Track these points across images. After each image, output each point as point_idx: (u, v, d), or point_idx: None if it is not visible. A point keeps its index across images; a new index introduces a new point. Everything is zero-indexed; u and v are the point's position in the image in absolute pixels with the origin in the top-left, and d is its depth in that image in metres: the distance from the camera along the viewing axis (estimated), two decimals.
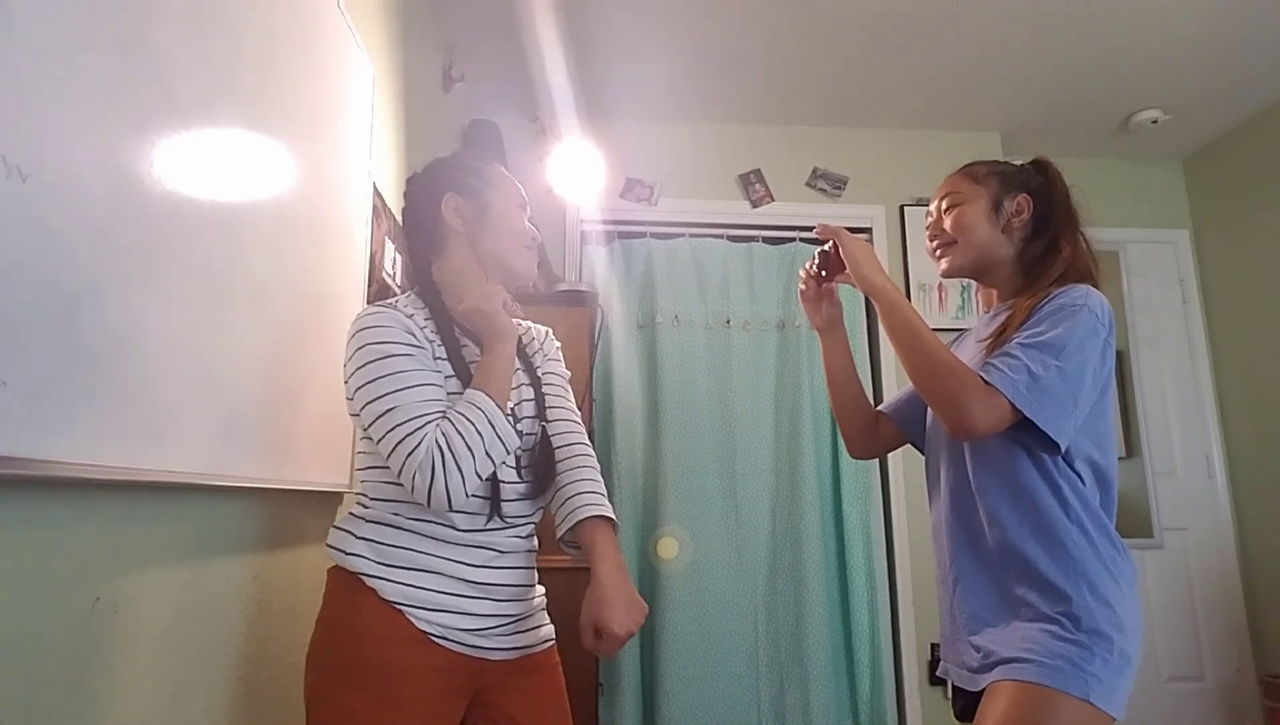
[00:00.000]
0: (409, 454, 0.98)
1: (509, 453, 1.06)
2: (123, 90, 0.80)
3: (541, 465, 1.14)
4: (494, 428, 1.02)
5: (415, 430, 0.99)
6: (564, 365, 1.30)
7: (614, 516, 1.15)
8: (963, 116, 3.11)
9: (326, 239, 1.41)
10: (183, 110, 0.92)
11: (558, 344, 1.32)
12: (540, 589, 1.20)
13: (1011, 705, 1.00)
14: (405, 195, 1.24)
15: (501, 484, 1.09)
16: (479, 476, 1.01)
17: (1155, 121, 3.08)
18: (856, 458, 1.44)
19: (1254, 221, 3.14)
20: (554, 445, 1.17)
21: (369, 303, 1.64)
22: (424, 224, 1.19)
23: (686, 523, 2.76)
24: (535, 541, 1.18)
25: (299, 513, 1.34)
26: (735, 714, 2.64)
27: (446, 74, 2.53)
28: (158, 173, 0.86)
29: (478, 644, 1.06)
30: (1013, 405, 1.03)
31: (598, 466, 1.21)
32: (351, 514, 1.10)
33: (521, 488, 1.12)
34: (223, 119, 1.02)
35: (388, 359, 1.03)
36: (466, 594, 1.05)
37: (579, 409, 1.28)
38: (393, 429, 1.00)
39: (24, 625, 0.70)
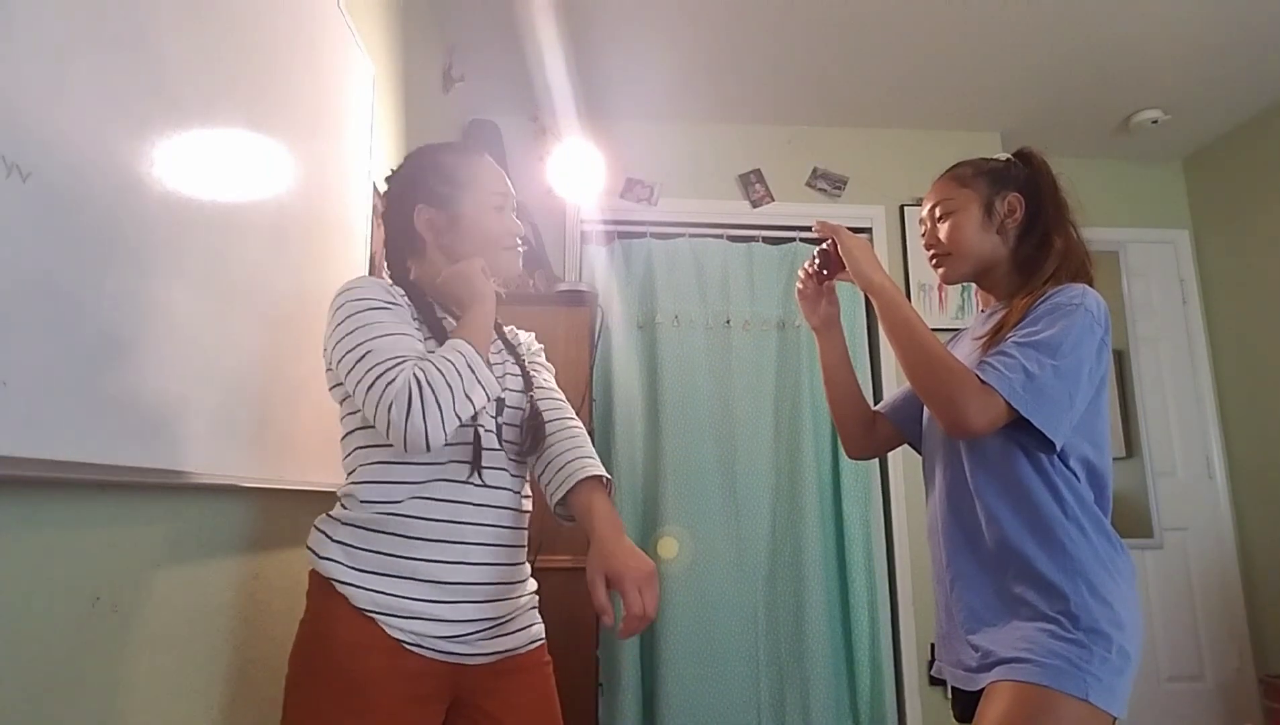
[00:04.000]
0: (385, 388, 0.95)
1: (489, 399, 1.03)
2: (123, 90, 0.80)
3: (529, 430, 1.12)
4: (473, 370, 1.00)
5: (391, 367, 0.97)
6: (552, 372, 1.30)
7: (608, 474, 1.13)
8: (963, 116, 3.11)
9: (326, 239, 1.41)
10: (183, 110, 0.92)
11: (541, 346, 1.32)
12: (531, 585, 1.17)
13: (1010, 706, 1.00)
14: (384, 195, 1.22)
15: (485, 452, 1.06)
16: (458, 417, 0.98)
17: (1155, 121, 3.08)
18: (854, 458, 1.44)
19: (1254, 221, 3.14)
20: (544, 417, 1.16)
21: None
22: (400, 230, 1.18)
23: (686, 523, 2.76)
24: (523, 535, 1.15)
25: (299, 512, 1.34)
26: (735, 714, 2.64)
27: (446, 74, 2.53)
28: (158, 172, 0.86)
29: (453, 650, 1.03)
30: (1008, 404, 1.03)
31: (586, 434, 1.19)
32: (329, 515, 1.07)
33: (501, 453, 1.10)
34: (223, 118, 1.02)
35: (364, 313, 1.02)
36: (439, 599, 1.02)
37: (579, 409, 1.27)
38: (369, 370, 0.97)
39: (24, 625, 0.70)
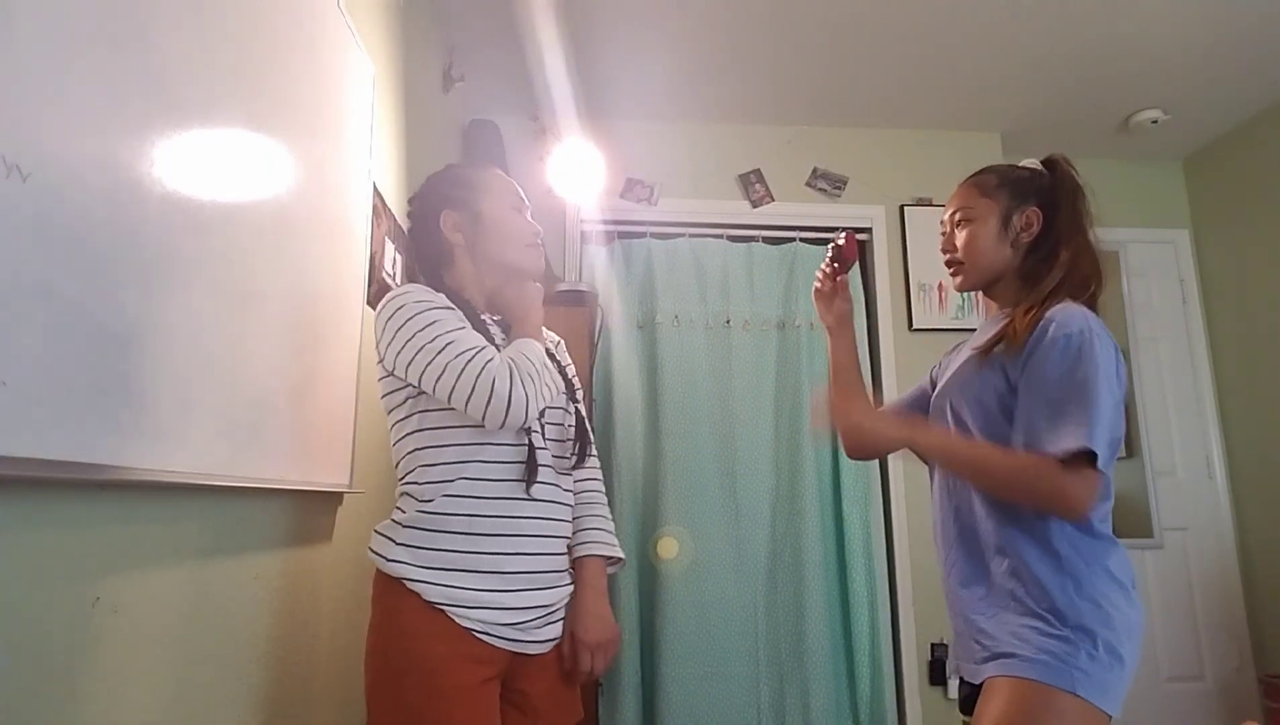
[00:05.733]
0: (484, 364, 1.04)
1: (552, 398, 1.15)
2: (123, 90, 0.80)
3: (577, 444, 1.24)
4: (546, 365, 1.12)
5: (483, 350, 1.07)
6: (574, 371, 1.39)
7: (614, 554, 1.28)
8: (963, 116, 3.11)
9: (327, 239, 1.41)
10: (183, 110, 0.92)
11: (560, 339, 1.40)
12: (572, 575, 1.25)
13: (1006, 702, 1.02)
14: (408, 215, 1.30)
15: (538, 465, 1.15)
16: (542, 399, 1.09)
17: (1155, 121, 3.08)
18: (854, 458, 1.44)
19: (1254, 221, 3.14)
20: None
21: (369, 303, 1.65)
22: (429, 244, 1.26)
23: (686, 523, 2.76)
24: (567, 527, 1.23)
25: (300, 512, 1.34)
26: (735, 714, 2.64)
27: (446, 74, 2.53)
28: (158, 173, 0.86)
29: (517, 637, 1.12)
30: (1090, 456, 1.02)
31: (605, 498, 1.34)
32: (391, 520, 1.15)
33: (546, 450, 1.19)
34: (223, 119, 1.02)
35: (430, 312, 1.11)
36: (502, 588, 1.11)
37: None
38: (458, 355, 1.06)
39: (24, 625, 0.70)
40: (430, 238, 1.25)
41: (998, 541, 1.11)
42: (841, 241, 1.33)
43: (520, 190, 1.29)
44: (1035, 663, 1.01)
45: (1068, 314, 1.10)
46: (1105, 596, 1.05)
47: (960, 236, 1.26)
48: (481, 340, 1.09)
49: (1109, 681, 1.00)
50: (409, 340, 1.08)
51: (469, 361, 1.05)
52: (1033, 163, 1.28)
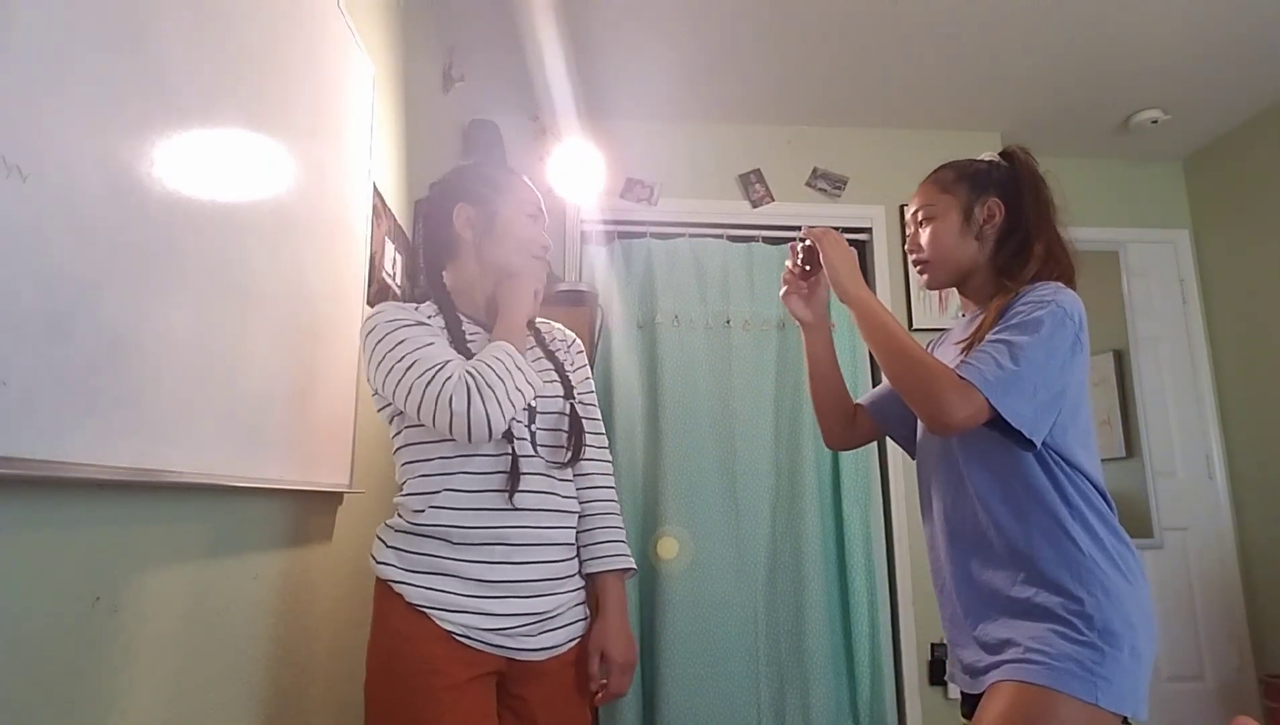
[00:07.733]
0: (444, 384, 1.03)
1: (529, 398, 1.12)
2: (123, 90, 0.80)
3: (572, 443, 1.20)
4: (520, 369, 1.09)
5: (444, 366, 1.06)
6: (589, 372, 1.36)
7: (629, 566, 1.26)
8: (963, 116, 3.11)
9: (327, 239, 1.41)
10: (183, 110, 0.92)
11: (582, 348, 1.37)
12: (578, 581, 1.24)
13: (1010, 706, 0.99)
14: (426, 200, 1.30)
15: (521, 464, 1.13)
16: (513, 405, 1.07)
17: (1155, 121, 3.08)
18: (832, 448, 1.47)
19: (1254, 221, 3.14)
20: (583, 479, 1.26)
21: (369, 303, 1.65)
22: (438, 232, 1.25)
23: (686, 523, 2.76)
24: (569, 533, 1.21)
25: (299, 513, 1.34)
26: (735, 714, 2.64)
27: (446, 74, 2.53)
28: (158, 173, 0.86)
29: (503, 644, 1.10)
30: (986, 397, 1.02)
31: (619, 508, 1.30)
32: (386, 524, 1.17)
33: (539, 459, 1.17)
34: (223, 119, 1.02)
35: (399, 331, 1.11)
36: (485, 595, 1.10)
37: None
38: (421, 375, 1.05)
39: (24, 625, 0.70)
40: (441, 228, 1.24)
41: (1016, 552, 1.08)
42: (809, 242, 1.31)
43: (541, 201, 1.28)
44: (1057, 670, 0.98)
45: (1042, 285, 1.12)
46: (1130, 595, 1.03)
47: (924, 234, 1.25)
48: (447, 355, 1.08)
49: (1128, 685, 0.98)
50: (381, 360, 1.09)
51: (430, 381, 1.05)
52: (991, 155, 1.28)
